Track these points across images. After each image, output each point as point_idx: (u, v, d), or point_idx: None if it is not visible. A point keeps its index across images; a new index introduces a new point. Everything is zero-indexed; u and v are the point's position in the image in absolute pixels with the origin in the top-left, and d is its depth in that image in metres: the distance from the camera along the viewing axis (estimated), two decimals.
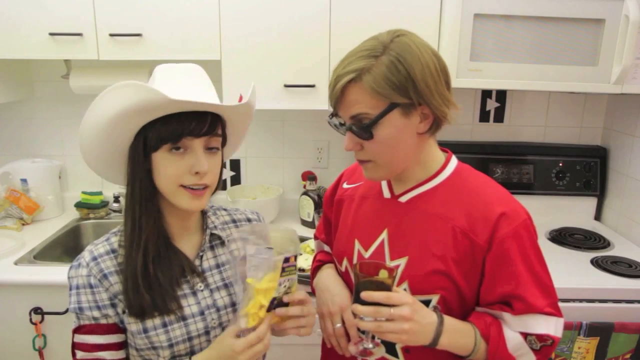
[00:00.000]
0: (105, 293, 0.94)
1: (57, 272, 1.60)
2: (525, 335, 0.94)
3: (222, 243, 1.05)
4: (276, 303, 0.92)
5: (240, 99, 0.98)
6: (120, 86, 0.86)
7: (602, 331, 1.51)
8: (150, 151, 0.91)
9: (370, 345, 0.93)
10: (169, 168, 0.90)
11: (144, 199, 0.93)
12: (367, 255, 1.02)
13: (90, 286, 0.94)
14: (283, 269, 0.90)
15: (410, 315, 0.86)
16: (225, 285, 1.02)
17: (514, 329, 0.94)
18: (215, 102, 0.92)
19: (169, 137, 0.89)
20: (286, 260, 0.91)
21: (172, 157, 0.90)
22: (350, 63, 0.88)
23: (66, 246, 1.96)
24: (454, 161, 1.02)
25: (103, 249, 0.97)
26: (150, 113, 0.88)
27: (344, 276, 1.09)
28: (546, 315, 0.93)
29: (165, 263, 0.95)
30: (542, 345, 0.94)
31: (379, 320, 0.86)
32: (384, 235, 1.00)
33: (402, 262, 0.96)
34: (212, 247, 1.04)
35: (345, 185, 1.15)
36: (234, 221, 1.10)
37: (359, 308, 0.87)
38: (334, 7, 1.71)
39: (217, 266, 1.03)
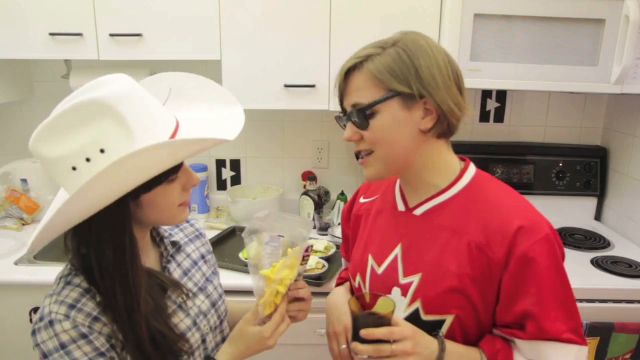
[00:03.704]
0: (102, 337, 0.81)
1: (56, 272, 1.60)
2: None
3: (178, 249, 1.01)
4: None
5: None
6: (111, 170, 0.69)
7: (602, 331, 1.51)
8: (141, 193, 0.80)
9: None
10: (169, 196, 0.84)
11: (133, 254, 0.81)
12: (380, 270, 0.97)
13: (84, 336, 0.80)
14: (303, 258, 0.93)
15: (412, 349, 0.83)
16: (200, 289, 1.00)
17: (526, 356, 0.87)
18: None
19: (170, 172, 0.81)
20: (307, 249, 0.93)
21: (169, 185, 0.83)
22: (357, 53, 0.90)
23: None
24: (471, 170, 0.96)
25: (75, 293, 0.82)
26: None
27: (356, 292, 1.04)
28: (565, 343, 0.84)
29: (155, 304, 0.86)
30: None
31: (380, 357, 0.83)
32: (397, 250, 0.96)
33: (415, 278, 0.92)
34: (171, 256, 0.99)
35: (362, 200, 1.12)
36: (177, 226, 1.06)
37: (358, 347, 0.83)
38: (333, 9, 1.70)
39: (185, 273, 0.99)
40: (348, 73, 0.89)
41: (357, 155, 0.95)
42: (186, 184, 0.87)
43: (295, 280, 0.95)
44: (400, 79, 0.85)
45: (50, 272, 1.61)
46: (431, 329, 0.89)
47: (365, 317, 0.85)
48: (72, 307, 0.80)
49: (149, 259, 0.94)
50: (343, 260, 1.23)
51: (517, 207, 0.90)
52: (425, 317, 0.90)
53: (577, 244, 1.84)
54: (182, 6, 1.71)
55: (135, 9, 1.71)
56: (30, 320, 1.60)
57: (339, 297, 1.06)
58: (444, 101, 0.86)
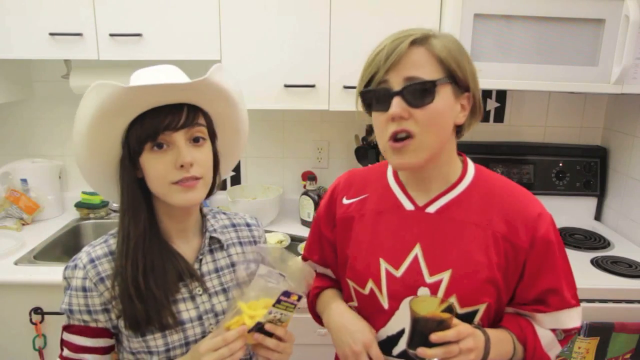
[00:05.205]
0: (99, 298, 0.92)
1: (57, 272, 1.58)
2: (554, 330, 0.97)
3: (222, 247, 1.03)
4: (258, 327, 0.88)
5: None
6: (88, 91, 0.85)
7: (602, 331, 1.51)
8: (136, 156, 0.90)
9: None
10: (155, 168, 0.89)
11: (131, 208, 0.92)
12: (399, 274, 0.94)
13: (84, 289, 0.92)
14: (279, 301, 0.86)
15: (475, 345, 0.84)
16: (224, 290, 1.00)
17: (546, 327, 0.96)
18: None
19: (147, 135, 0.88)
20: (286, 294, 0.87)
21: (155, 155, 0.88)
22: (409, 32, 0.86)
23: (66, 246, 1.96)
24: (471, 164, 1.00)
25: (101, 250, 0.95)
26: (120, 112, 0.86)
27: (366, 300, 0.98)
28: (572, 308, 0.96)
29: (160, 272, 0.92)
30: (566, 335, 0.99)
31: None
32: (416, 250, 0.94)
33: (444, 276, 0.91)
34: (211, 251, 1.02)
35: (345, 201, 1.05)
36: (233, 225, 1.09)
37: (428, 351, 0.82)
38: (333, 9, 1.70)
39: (216, 270, 1.01)
40: (410, 45, 0.84)
41: (394, 138, 0.87)
42: (176, 161, 0.88)
43: (276, 324, 0.90)
44: (460, 65, 0.86)
45: (50, 272, 1.62)
46: (465, 320, 0.89)
47: (428, 320, 0.83)
48: (91, 261, 0.93)
49: (190, 246, 1.00)
50: (307, 264, 1.12)
51: (525, 194, 0.97)
52: (460, 310, 0.92)
53: (577, 244, 1.84)
54: (182, 6, 1.71)
55: (135, 9, 1.71)
56: (31, 320, 1.60)
57: (343, 315, 0.99)
58: (479, 100, 0.92)
